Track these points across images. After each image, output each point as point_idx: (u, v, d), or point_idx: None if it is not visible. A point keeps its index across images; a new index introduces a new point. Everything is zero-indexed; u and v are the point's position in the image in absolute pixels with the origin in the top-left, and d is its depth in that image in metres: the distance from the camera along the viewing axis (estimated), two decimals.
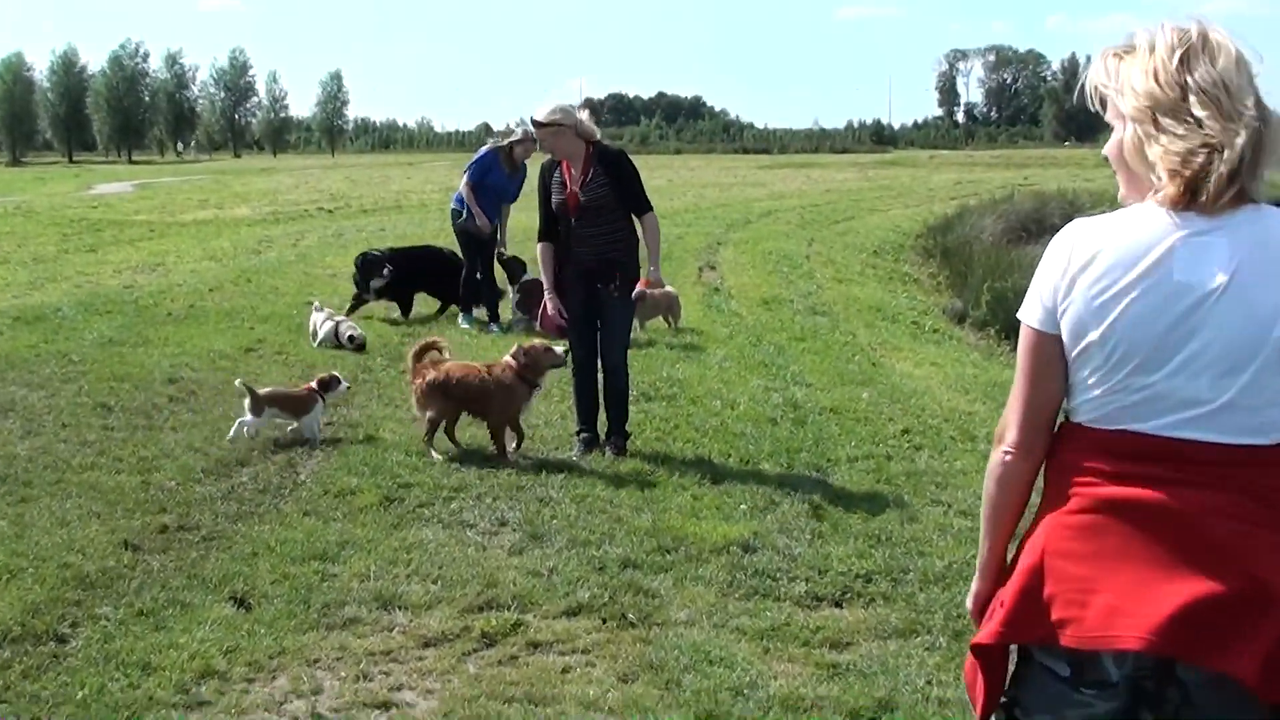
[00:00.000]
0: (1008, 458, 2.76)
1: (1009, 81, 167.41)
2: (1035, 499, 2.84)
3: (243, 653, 5.36)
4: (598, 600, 6.00)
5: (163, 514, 7.17)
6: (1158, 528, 2.53)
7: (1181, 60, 2.54)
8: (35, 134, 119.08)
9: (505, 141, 14.09)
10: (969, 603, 2.99)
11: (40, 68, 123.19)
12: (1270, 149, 2.52)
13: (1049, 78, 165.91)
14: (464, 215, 14.01)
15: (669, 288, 8.07)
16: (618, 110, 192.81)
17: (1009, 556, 2.86)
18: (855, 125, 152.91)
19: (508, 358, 8.56)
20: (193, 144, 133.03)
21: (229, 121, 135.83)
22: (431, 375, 8.46)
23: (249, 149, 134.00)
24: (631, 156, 8.90)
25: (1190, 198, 2.49)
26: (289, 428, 8.90)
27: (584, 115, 8.61)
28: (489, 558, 6.60)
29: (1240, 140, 2.45)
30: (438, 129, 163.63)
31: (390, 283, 14.61)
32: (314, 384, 9.05)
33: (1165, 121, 2.52)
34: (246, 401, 8.69)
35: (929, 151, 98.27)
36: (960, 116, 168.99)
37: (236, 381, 9.08)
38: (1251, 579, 2.47)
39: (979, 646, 2.76)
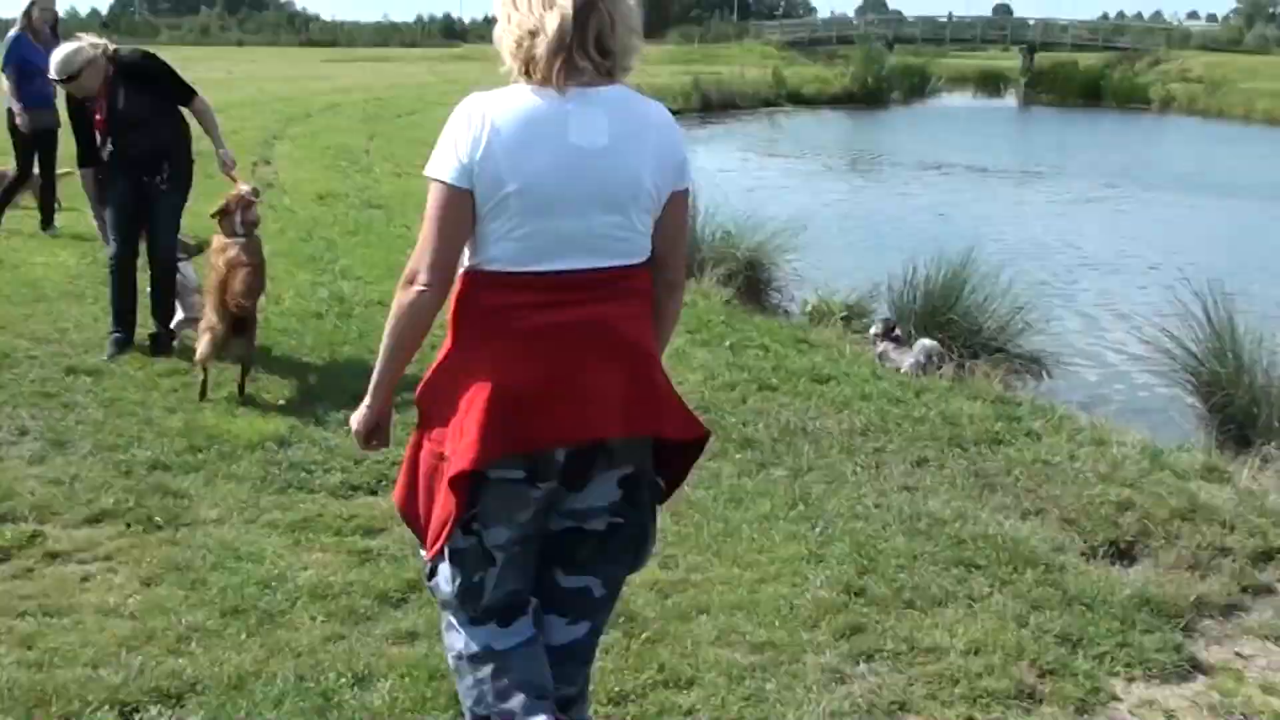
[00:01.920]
0: (425, 292, 3.09)
1: None
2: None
3: None
4: (122, 505, 5.83)
5: None
6: (580, 340, 3.08)
7: None
8: None
9: (21, 12, 12.45)
10: (357, 423, 3.44)
11: None
12: (613, 27, 3.03)
13: None
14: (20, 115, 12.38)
15: (243, 186, 7.53)
16: None
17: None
18: (425, 19, 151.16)
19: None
20: None
21: None
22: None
23: None
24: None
25: (527, 74, 3.05)
26: None
27: (92, 39, 8.17)
28: (6, 469, 6.28)
29: (553, 24, 2.96)
30: None
31: None
32: None
33: (512, 14, 3.07)
34: None
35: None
36: None
37: None
38: (650, 356, 3.20)
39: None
